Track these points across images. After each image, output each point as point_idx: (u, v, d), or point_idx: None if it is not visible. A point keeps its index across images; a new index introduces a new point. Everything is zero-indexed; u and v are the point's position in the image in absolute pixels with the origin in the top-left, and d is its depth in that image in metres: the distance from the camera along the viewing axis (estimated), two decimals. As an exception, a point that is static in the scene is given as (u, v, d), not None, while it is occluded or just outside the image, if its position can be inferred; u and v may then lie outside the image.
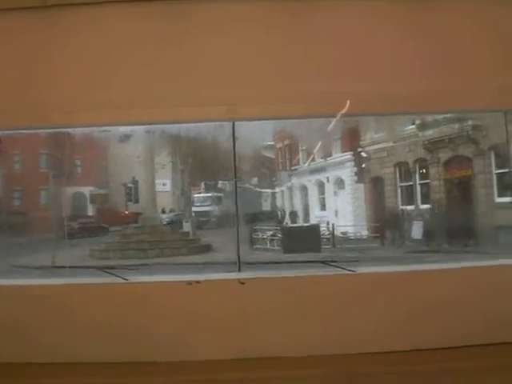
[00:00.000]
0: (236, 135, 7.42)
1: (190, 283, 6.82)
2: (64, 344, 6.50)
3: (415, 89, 6.52)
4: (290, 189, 27.46)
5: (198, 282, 6.85)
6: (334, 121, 7.32)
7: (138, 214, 23.38)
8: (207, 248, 20.70)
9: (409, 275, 7.00)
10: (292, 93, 6.71)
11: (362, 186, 24.44)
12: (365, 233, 22.54)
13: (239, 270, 7.38)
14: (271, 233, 21.62)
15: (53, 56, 6.78)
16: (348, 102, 6.65)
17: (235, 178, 7.88)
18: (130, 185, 24.75)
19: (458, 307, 6.49)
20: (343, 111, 6.78)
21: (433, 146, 21.57)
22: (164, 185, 30.34)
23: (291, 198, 27.33)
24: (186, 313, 6.65)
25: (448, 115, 21.09)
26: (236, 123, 7.21)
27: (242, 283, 6.79)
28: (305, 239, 19.04)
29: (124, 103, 6.65)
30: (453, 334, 6.41)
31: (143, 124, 7.54)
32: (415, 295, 6.60)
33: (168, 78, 6.80)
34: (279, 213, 24.93)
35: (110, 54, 6.79)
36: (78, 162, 30.79)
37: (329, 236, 21.15)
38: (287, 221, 23.65)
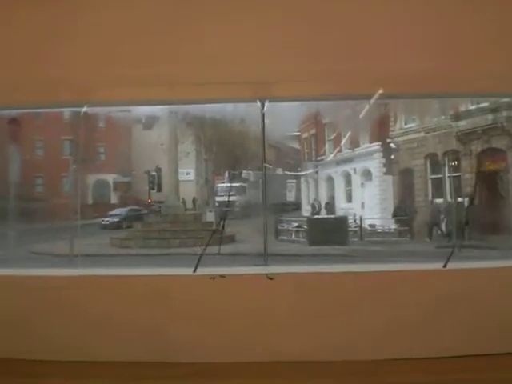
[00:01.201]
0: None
1: (213, 278, 6.27)
2: (73, 341, 6.01)
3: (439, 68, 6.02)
4: (316, 180, 26.88)
5: (222, 276, 6.29)
6: (368, 104, 6.83)
7: (161, 202, 22.91)
8: (231, 239, 20.12)
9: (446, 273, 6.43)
10: (323, 70, 6.16)
11: (390, 177, 23.72)
12: (393, 226, 21.82)
13: (266, 264, 6.86)
14: (296, 224, 21.01)
15: (65, 31, 6.27)
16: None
17: (264, 163, 7.31)
18: (153, 173, 24.29)
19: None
20: (376, 91, 6.28)
21: (465, 137, 20.74)
22: (188, 174, 30.04)
23: (317, 188, 26.74)
24: (209, 310, 6.13)
25: (482, 105, 20.44)
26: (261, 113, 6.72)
27: (271, 279, 6.24)
28: (331, 231, 18.37)
29: (143, 80, 6.11)
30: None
31: (164, 103, 6.95)
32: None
33: (190, 54, 6.24)
34: (315, 204, 24.31)
35: (127, 29, 6.24)
36: (102, 150, 30.74)
37: (356, 228, 20.47)
38: (322, 212, 23.00)
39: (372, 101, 6.81)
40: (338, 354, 5.94)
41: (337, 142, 25.27)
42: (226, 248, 19.07)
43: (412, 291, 6.18)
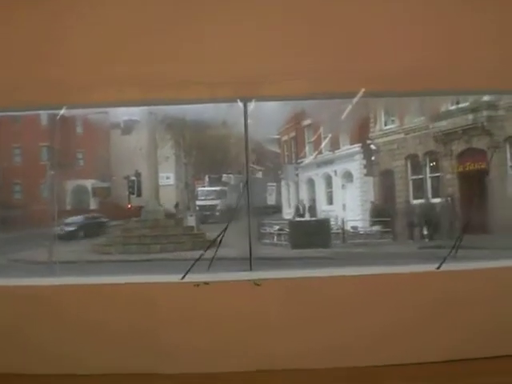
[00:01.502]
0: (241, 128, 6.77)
1: (197, 285, 6.04)
2: (58, 353, 5.73)
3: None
4: (296, 182, 26.72)
5: (206, 283, 6.06)
6: (351, 104, 6.67)
7: (141, 207, 22.58)
8: (212, 243, 19.83)
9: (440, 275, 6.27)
10: (306, 68, 5.97)
11: (371, 179, 23.61)
12: (374, 228, 21.69)
13: (251, 269, 6.64)
14: (278, 227, 20.80)
15: (64, 31, 6.06)
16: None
17: (247, 165, 7.11)
18: (132, 178, 23.96)
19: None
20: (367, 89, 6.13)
21: (445, 137, 20.68)
22: (167, 178, 29.73)
23: (297, 191, 26.57)
24: (193, 319, 5.89)
25: (462, 105, 20.40)
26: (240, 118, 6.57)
27: (258, 285, 6.01)
28: (314, 234, 18.20)
29: (130, 80, 5.88)
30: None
31: (148, 103, 6.66)
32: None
33: (177, 55, 6.03)
34: (300, 206, 24.11)
35: (120, 30, 6.02)
36: (80, 155, 30.36)
37: (338, 231, 20.31)
38: (307, 214, 22.78)
39: (365, 98, 6.61)
40: (331, 360, 5.73)
41: (317, 143, 25.16)
42: (209, 252, 18.82)
43: (405, 294, 6.01)
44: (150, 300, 5.85)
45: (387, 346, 5.79)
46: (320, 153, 25.55)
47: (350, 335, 5.81)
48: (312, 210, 23.51)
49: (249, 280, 6.03)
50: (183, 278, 6.09)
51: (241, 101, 6.48)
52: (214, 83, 5.94)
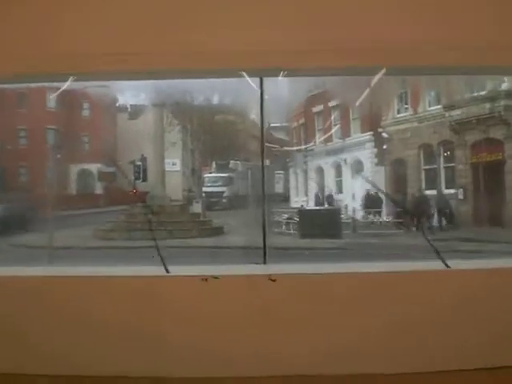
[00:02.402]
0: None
1: (205, 279, 5.35)
2: (55, 351, 5.08)
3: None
4: (305, 171, 26.05)
5: (215, 277, 5.36)
6: (376, 77, 6.00)
7: (147, 193, 21.93)
8: (219, 231, 19.21)
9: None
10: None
11: (382, 168, 22.87)
12: (385, 218, 21.00)
13: (265, 262, 5.96)
14: (287, 216, 20.11)
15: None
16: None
17: (262, 145, 6.41)
18: (138, 162, 23.30)
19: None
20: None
21: (461, 127, 19.91)
22: (174, 164, 29.14)
23: (306, 179, 25.90)
24: (200, 318, 5.21)
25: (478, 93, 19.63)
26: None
27: (273, 280, 5.33)
28: (324, 224, 17.50)
29: (128, 49, 5.20)
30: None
31: (150, 74, 5.90)
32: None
33: (189, 22, 5.35)
34: (319, 195, 23.40)
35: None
36: (86, 139, 29.86)
37: (348, 221, 19.59)
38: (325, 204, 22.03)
39: (376, 78, 5.91)
40: (351, 366, 5.07)
41: (327, 131, 24.46)
42: (215, 241, 18.30)
43: (421, 293, 5.33)
44: (152, 296, 5.18)
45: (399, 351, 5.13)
46: (330, 140, 24.85)
47: (371, 339, 5.16)
48: (330, 198, 22.78)
49: (263, 275, 5.33)
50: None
51: (257, 75, 5.78)
52: (227, 53, 5.24)
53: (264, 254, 5.98)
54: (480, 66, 5.72)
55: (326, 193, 23.38)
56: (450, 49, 5.31)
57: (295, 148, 27.20)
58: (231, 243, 15.59)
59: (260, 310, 5.26)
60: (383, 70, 5.80)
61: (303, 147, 26.21)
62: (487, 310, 5.30)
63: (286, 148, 27.61)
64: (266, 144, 6.69)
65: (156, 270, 5.56)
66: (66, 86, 5.95)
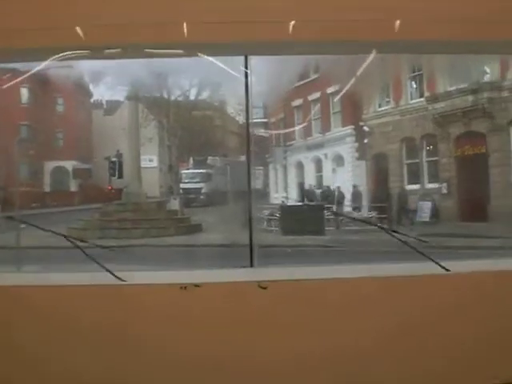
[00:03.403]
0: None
1: (184, 287, 4.54)
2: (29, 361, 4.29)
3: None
4: (285, 166, 25.35)
5: (196, 285, 4.55)
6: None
7: (122, 190, 21.05)
8: (197, 228, 18.39)
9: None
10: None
11: (363, 163, 22.22)
12: (367, 214, 20.32)
13: (252, 265, 5.20)
14: (268, 212, 19.33)
15: None
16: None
17: (248, 134, 5.61)
18: (113, 159, 22.42)
19: None
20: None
21: (443, 120, 19.26)
22: (151, 160, 28.33)
23: (286, 175, 25.21)
24: (179, 332, 4.41)
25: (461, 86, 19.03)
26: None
27: (264, 288, 4.55)
28: (306, 220, 16.72)
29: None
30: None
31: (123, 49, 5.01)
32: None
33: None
34: (307, 190, 22.63)
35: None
36: (60, 136, 29.02)
37: (331, 217, 18.85)
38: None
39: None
40: (346, 374, 4.38)
41: (308, 125, 23.79)
42: (193, 239, 17.50)
43: (419, 298, 4.64)
44: (121, 308, 4.37)
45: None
46: (310, 135, 24.20)
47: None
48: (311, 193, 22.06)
49: (252, 282, 4.54)
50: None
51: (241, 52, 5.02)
52: (208, 25, 4.44)
53: (251, 256, 5.20)
54: (480, 40, 4.98)
55: (309, 187, 22.72)
56: (449, 21, 4.58)
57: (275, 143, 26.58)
58: (210, 241, 14.82)
59: (250, 320, 4.48)
60: (373, 53, 5.10)
61: (283, 142, 25.57)
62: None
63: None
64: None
65: (127, 276, 4.71)
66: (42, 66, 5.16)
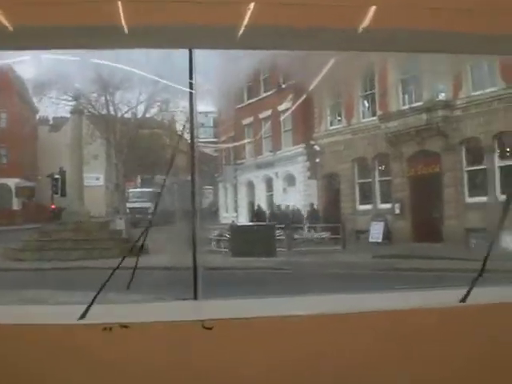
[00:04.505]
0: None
1: (109, 328, 3.45)
2: None
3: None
4: (235, 185, 24.53)
5: (124, 326, 3.46)
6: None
7: (64, 208, 19.78)
8: (143, 249, 17.18)
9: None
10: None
11: (314, 182, 21.52)
12: (319, 234, 19.55)
13: (196, 297, 4.18)
14: (217, 232, 18.30)
15: None
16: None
17: (192, 137, 4.64)
18: (56, 176, 21.20)
19: None
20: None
21: (397, 139, 18.64)
22: (97, 179, 27.25)
23: (236, 194, 24.37)
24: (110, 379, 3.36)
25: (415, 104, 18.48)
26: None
27: (209, 329, 3.51)
28: (257, 241, 15.74)
29: None
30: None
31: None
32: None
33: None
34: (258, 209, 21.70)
35: None
36: (3, 152, 27.89)
37: (283, 237, 17.94)
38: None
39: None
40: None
41: (258, 144, 23.07)
42: (138, 261, 16.16)
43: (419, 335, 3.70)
44: (33, 354, 3.31)
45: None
46: (260, 154, 23.47)
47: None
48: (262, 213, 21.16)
49: (195, 321, 3.50)
50: (83, 316, 3.47)
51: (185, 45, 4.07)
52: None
53: (195, 287, 4.17)
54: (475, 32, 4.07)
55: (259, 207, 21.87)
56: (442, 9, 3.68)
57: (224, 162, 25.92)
58: (154, 263, 13.68)
59: (192, 370, 3.45)
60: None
61: (233, 161, 24.83)
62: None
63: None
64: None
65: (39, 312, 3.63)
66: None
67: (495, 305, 3.94)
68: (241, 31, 3.86)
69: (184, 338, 3.51)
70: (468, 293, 3.81)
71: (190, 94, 4.50)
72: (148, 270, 13.58)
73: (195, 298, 4.17)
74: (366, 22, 3.81)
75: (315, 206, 20.74)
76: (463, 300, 3.85)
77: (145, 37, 3.98)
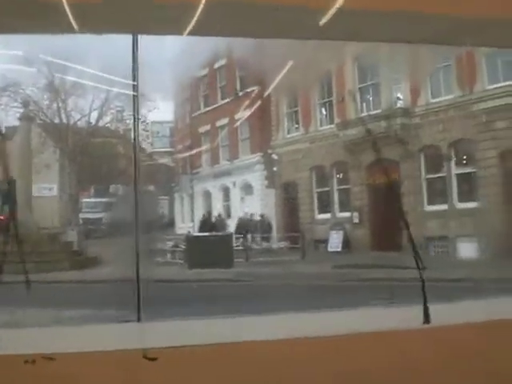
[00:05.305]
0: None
1: (32, 361, 2.73)
2: None
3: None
4: (191, 195, 23.82)
5: (50, 358, 2.74)
6: None
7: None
8: (94, 261, 16.31)
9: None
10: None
11: (272, 191, 20.96)
12: (277, 244, 19.00)
13: (139, 319, 3.50)
14: (173, 243, 17.55)
15: None
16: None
17: (135, 131, 4.01)
18: (5, 185, 19.99)
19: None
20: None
21: (355, 147, 18.18)
22: (50, 189, 26.17)
23: (192, 204, 23.66)
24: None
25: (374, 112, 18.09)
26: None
27: (153, 360, 2.84)
28: (214, 251, 15.05)
29: None
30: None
31: None
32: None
33: None
34: (209, 219, 21.00)
35: None
36: None
37: (240, 247, 17.29)
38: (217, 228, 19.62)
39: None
40: None
41: (215, 152, 22.45)
42: (88, 273, 15.40)
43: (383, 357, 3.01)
44: None
45: None
46: (217, 163, 22.86)
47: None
48: (221, 223, 20.47)
49: (136, 350, 2.81)
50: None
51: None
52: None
53: (138, 308, 3.49)
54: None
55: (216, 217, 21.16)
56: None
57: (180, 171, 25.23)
58: (103, 276, 12.91)
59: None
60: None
61: (189, 170, 24.15)
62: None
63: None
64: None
65: None
66: None
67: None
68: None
69: (123, 369, 2.83)
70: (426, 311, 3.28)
71: (133, 85, 3.88)
72: (91, 284, 12.95)
73: (138, 319, 3.51)
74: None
75: (265, 216, 20.16)
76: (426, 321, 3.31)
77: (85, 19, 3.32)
